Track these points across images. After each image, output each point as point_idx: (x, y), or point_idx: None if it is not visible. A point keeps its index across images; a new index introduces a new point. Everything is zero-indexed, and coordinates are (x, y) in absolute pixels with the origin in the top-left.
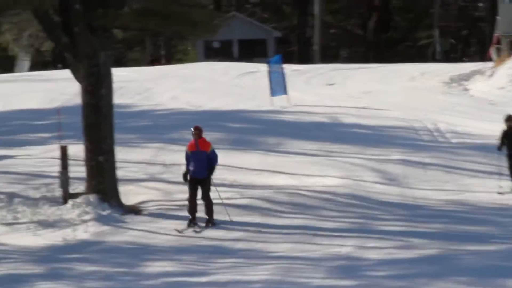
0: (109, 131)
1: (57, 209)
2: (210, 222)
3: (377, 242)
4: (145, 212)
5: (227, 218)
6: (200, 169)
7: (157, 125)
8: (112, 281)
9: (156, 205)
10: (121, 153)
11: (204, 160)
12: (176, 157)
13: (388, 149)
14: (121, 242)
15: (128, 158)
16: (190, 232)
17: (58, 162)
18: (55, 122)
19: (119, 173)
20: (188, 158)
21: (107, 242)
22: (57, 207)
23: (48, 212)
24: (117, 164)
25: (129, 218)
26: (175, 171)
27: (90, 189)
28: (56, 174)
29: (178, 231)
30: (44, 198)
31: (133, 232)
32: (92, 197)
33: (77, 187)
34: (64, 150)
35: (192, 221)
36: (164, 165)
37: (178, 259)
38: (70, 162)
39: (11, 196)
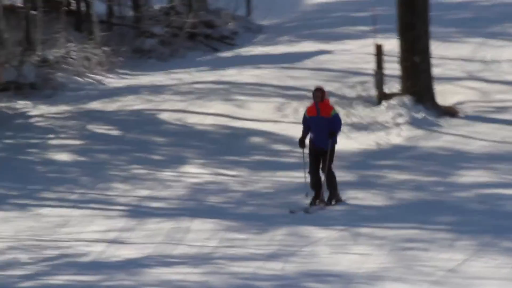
0: (425, 29)
1: (371, 111)
2: (333, 198)
3: None
4: (461, 114)
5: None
6: (322, 137)
7: (478, 18)
8: (423, 191)
9: (473, 106)
10: (438, 49)
11: (326, 127)
12: (497, 53)
13: None
14: (434, 147)
15: (446, 54)
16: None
17: (374, 58)
18: (374, 15)
19: (436, 71)
20: (305, 122)
21: (420, 148)
22: (371, 108)
23: (362, 113)
24: (434, 61)
25: (444, 121)
26: (495, 69)
27: (405, 90)
28: (372, 72)
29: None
30: (358, 98)
31: (448, 137)
32: (406, 99)
33: (393, 85)
34: (379, 48)
35: (316, 197)
36: (484, 62)
37: (494, 168)
38: (386, 58)
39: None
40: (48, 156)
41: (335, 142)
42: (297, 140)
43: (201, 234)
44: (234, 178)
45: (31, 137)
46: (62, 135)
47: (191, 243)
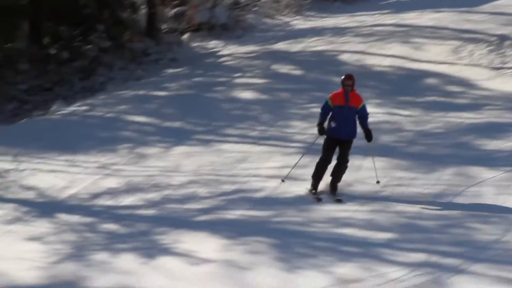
0: None
1: None
2: (335, 189)
3: None
4: None
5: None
6: (347, 127)
7: None
8: None
9: None
10: None
11: (352, 117)
12: None
13: None
14: None
15: None
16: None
17: None
18: None
19: None
20: (327, 110)
21: None
22: None
23: None
24: None
25: None
26: None
27: None
28: None
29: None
30: None
31: None
32: None
33: None
34: None
35: (316, 186)
36: None
37: None
38: None
39: (502, 38)
40: (233, 94)
41: (371, 138)
42: (317, 126)
43: (371, 172)
44: (408, 118)
45: (219, 75)
46: (248, 74)
47: (361, 181)
